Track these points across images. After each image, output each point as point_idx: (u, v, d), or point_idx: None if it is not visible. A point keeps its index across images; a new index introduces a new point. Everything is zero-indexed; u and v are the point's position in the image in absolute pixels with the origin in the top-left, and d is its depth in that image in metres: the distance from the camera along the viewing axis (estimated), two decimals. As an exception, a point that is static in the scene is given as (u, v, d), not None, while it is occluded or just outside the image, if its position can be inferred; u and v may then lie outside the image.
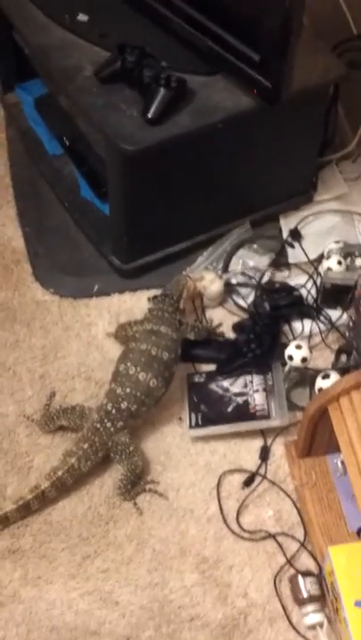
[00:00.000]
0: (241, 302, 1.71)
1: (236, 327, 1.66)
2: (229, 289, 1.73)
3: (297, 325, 1.68)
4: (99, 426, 1.45)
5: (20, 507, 1.39)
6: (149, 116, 1.52)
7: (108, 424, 1.45)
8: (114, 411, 1.46)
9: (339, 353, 1.62)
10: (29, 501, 1.39)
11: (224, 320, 1.70)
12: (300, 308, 1.68)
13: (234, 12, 1.53)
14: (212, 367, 1.61)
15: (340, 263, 1.70)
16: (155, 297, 1.65)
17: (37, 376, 1.61)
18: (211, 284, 1.68)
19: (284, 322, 1.67)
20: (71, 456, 1.42)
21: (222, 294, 1.71)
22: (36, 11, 1.73)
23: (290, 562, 1.36)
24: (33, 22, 1.72)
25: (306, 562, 1.37)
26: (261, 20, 1.45)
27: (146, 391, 1.48)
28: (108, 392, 1.50)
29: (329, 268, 1.70)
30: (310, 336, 1.66)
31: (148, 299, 1.72)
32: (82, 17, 1.71)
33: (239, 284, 1.74)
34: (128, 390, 1.47)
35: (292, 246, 1.80)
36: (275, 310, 1.65)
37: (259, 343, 1.57)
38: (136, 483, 1.45)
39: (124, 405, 1.46)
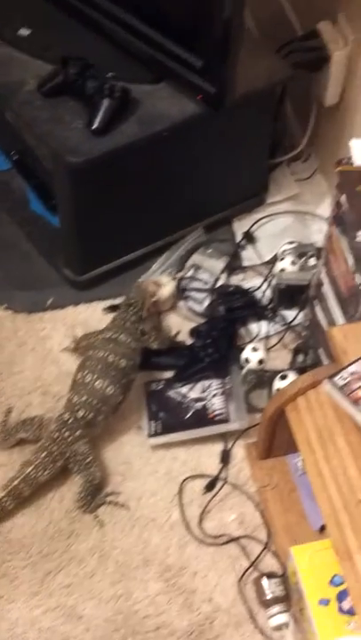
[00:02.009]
0: (196, 307, 1.71)
1: (193, 332, 1.66)
2: (184, 294, 1.73)
3: (253, 327, 1.68)
4: (56, 435, 1.43)
5: None
6: (94, 127, 1.52)
7: (66, 433, 1.44)
8: (71, 419, 1.45)
9: (296, 353, 1.62)
10: None
11: (180, 326, 1.69)
12: (255, 309, 1.68)
13: (174, 19, 1.54)
14: (170, 374, 1.60)
15: (293, 263, 1.71)
16: (115, 306, 1.64)
17: (-7, 392, 1.59)
18: (163, 287, 1.68)
19: (240, 325, 1.67)
20: (28, 465, 1.41)
21: (174, 297, 1.71)
22: (-24, 26, 1.72)
23: (253, 564, 1.35)
24: (-26, 38, 1.71)
25: (270, 563, 1.37)
26: (202, 25, 1.46)
27: (103, 399, 1.46)
28: (66, 402, 1.49)
29: (283, 269, 1.70)
30: (267, 337, 1.66)
31: (104, 309, 1.72)
32: (23, 31, 1.71)
33: (194, 289, 1.73)
34: (84, 398, 1.46)
35: (243, 248, 1.81)
36: (229, 313, 1.65)
37: (215, 348, 1.57)
38: (95, 494, 1.43)
39: (80, 414, 1.45)
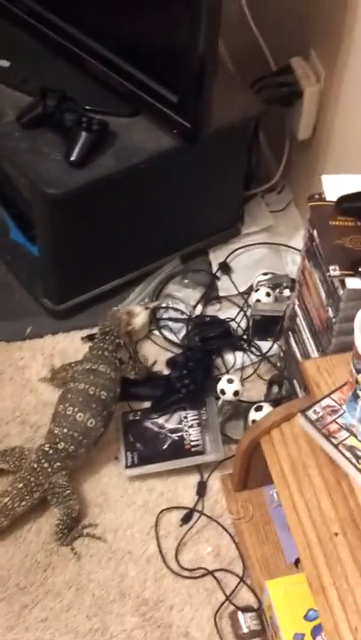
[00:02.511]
0: (172, 337, 1.72)
1: (170, 363, 1.68)
2: (160, 324, 1.74)
3: (229, 358, 1.69)
4: (36, 466, 1.44)
5: None
6: (72, 159, 1.54)
7: (45, 464, 1.44)
8: (51, 451, 1.45)
9: (271, 384, 1.64)
10: None
11: (157, 356, 1.71)
12: (230, 339, 1.70)
13: (150, 55, 1.56)
14: (148, 405, 1.61)
15: (268, 295, 1.73)
16: (92, 335, 1.65)
17: (-30, 423, 1.59)
18: (136, 316, 1.69)
19: (215, 355, 1.69)
20: (5, 496, 1.41)
21: (148, 325, 1.72)
22: None
23: (228, 598, 1.36)
24: None
25: (245, 596, 1.38)
26: (177, 62, 1.48)
27: (84, 431, 1.47)
28: (47, 433, 1.49)
29: (258, 300, 1.72)
30: (243, 368, 1.68)
31: (82, 338, 1.72)
32: (2, 62, 1.72)
33: (170, 319, 1.75)
34: (65, 430, 1.47)
35: (218, 279, 1.83)
36: (204, 343, 1.67)
37: (192, 379, 1.58)
38: (73, 527, 1.44)
39: (61, 446, 1.45)
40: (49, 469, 1.44)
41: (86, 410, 1.48)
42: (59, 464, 1.45)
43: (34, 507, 1.44)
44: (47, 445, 1.46)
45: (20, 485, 1.42)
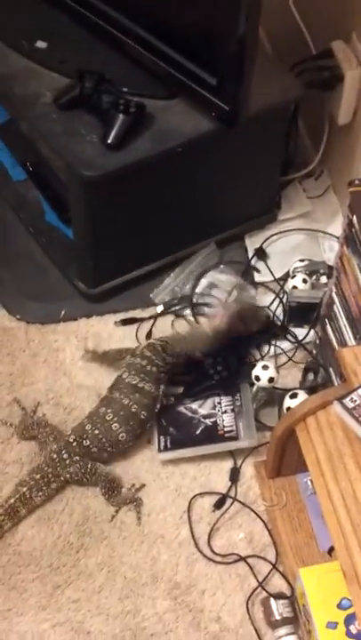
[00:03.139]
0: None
1: (204, 349, 1.67)
2: (196, 310, 1.73)
3: (264, 344, 1.68)
4: (55, 457, 1.45)
5: None
6: (109, 141, 1.53)
7: (65, 455, 1.45)
8: (75, 444, 1.46)
9: (306, 371, 1.62)
10: None
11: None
12: (267, 328, 1.68)
13: (190, 37, 1.54)
14: (181, 389, 1.61)
15: (305, 281, 1.71)
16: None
17: (5, 404, 1.60)
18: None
19: (251, 342, 1.67)
20: (23, 485, 1.42)
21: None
22: (-7, 39, 1.73)
23: (261, 585, 1.36)
24: (-9, 50, 1.72)
25: (278, 583, 1.37)
26: (217, 44, 1.46)
27: (113, 442, 1.48)
28: (78, 425, 1.50)
29: (294, 287, 1.71)
30: (278, 355, 1.67)
31: (115, 322, 1.72)
32: (40, 44, 1.71)
33: (206, 305, 1.74)
34: (97, 432, 1.47)
35: (258, 271, 1.81)
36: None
37: (225, 365, 1.57)
38: (116, 487, 1.45)
39: (86, 443, 1.46)
40: (67, 461, 1.45)
41: (123, 424, 1.48)
42: (77, 458, 1.46)
43: (52, 495, 1.46)
44: (72, 437, 1.46)
45: (38, 476, 1.43)
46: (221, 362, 1.57)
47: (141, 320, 1.73)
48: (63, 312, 1.75)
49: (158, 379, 1.54)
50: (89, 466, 1.45)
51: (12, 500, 1.40)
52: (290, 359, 1.66)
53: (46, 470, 1.43)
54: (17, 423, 1.55)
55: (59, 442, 1.46)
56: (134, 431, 1.49)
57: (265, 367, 1.53)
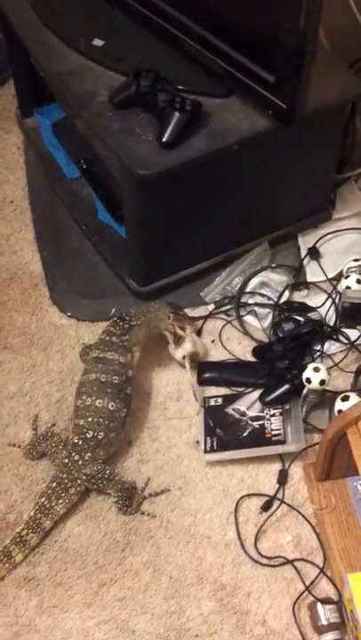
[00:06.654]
0: (256, 323, 1.70)
1: (261, 350, 1.64)
2: (246, 309, 1.72)
3: (316, 346, 1.66)
4: (67, 461, 1.44)
5: (3, 554, 1.37)
6: (164, 140, 1.52)
7: (76, 457, 1.44)
8: (80, 442, 1.45)
9: (358, 374, 1.59)
10: (9, 549, 1.38)
11: (239, 340, 1.69)
12: (320, 330, 1.66)
13: (248, 34, 1.53)
14: (225, 390, 1.60)
15: (359, 282, 1.68)
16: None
17: (54, 400, 1.61)
18: (186, 341, 1.61)
19: (306, 344, 1.65)
20: (42, 496, 1.41)
21: (203, 346, 1.67)
22: (51, 36, 1.74)
23: (308, 589, 1.34)
24: (48, 48, 1.73)
25: (325, 588, 1.35)
26: (275, 41, 1.44)
27: (108, 416, 1.47)
28: (73, 427, 1.49)
29: (348, 287, 1.68)
30: (329, 356, 1.64)
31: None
32: (97, 42, 1.72)
33: (257, 304, 1.72)
34: (90, 419, 1.46)
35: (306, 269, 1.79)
36: (295, 339, 1.62)
37: (298, 369, 1.53)
38: (132, 496, 1.44)
39: (90, 434, 1.45)
40: (80, 462, 1.43)
41: (103, 395, 1.47)
42: (89, 454, 1.44)
43: (75, 502, 1.43)
44: (76, 437, 1.46)
45: (54, 484, 1.42)
46: (294, 365, 1.54)
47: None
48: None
49: (119, 345, 1.54)
50: (107, 472, 1.43)
51: (32, 512, 1.39)
52: (341, 361, 1.63)
53: (61, 477, 1.42)
54: (25, 444, 1.53)
55: (66, 446, 1.46)
56: (117, 396, 1.48)
57: (316, 369, 1.50)
